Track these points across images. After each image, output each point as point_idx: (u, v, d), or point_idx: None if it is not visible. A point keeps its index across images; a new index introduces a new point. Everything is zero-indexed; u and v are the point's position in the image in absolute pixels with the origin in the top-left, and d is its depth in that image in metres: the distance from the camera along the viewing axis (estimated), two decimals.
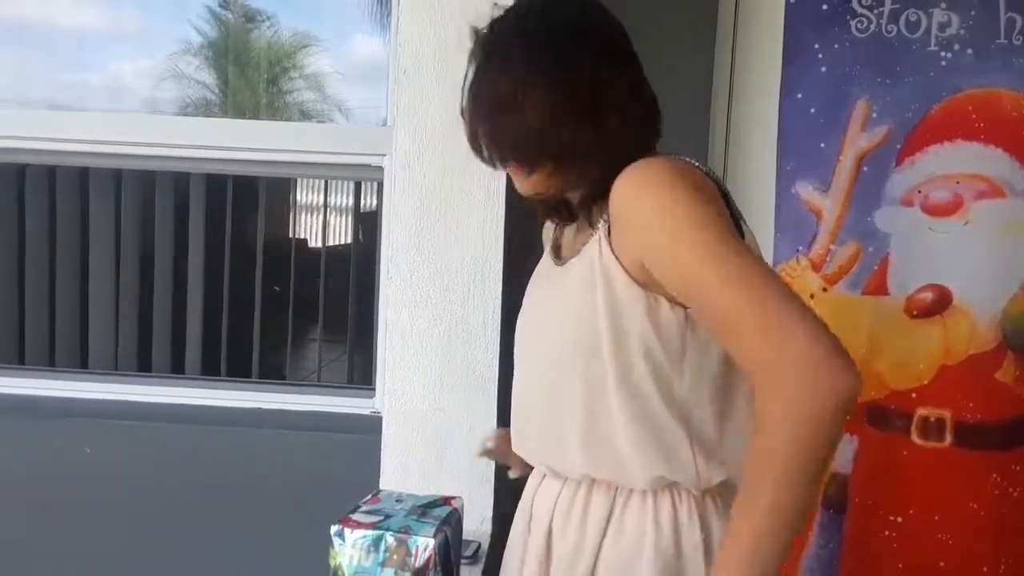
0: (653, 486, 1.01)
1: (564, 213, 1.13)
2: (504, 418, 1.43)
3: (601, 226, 1.00)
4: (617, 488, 1.03)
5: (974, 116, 1.91)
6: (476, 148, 1.05)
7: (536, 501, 1.13)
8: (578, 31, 1.01)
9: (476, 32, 1.05)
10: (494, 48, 1.02)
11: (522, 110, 0.97)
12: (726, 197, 0.99)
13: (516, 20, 1.03)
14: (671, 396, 0.99)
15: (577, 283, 1.02)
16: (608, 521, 1.03)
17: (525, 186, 1.06)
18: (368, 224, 2.52)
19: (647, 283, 0.97)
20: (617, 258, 0.98)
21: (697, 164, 1.00)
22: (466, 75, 1.05)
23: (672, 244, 0.90)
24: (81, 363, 2.29)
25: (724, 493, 1.03)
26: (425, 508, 1.17)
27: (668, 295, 0.96)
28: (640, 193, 0.92)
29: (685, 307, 0.97)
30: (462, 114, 1.06)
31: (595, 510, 1.04)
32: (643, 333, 0.97)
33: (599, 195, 1.00)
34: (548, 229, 1.24)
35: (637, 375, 0.98)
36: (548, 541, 1.08)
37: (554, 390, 1.04)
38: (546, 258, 1.18)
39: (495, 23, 1.05)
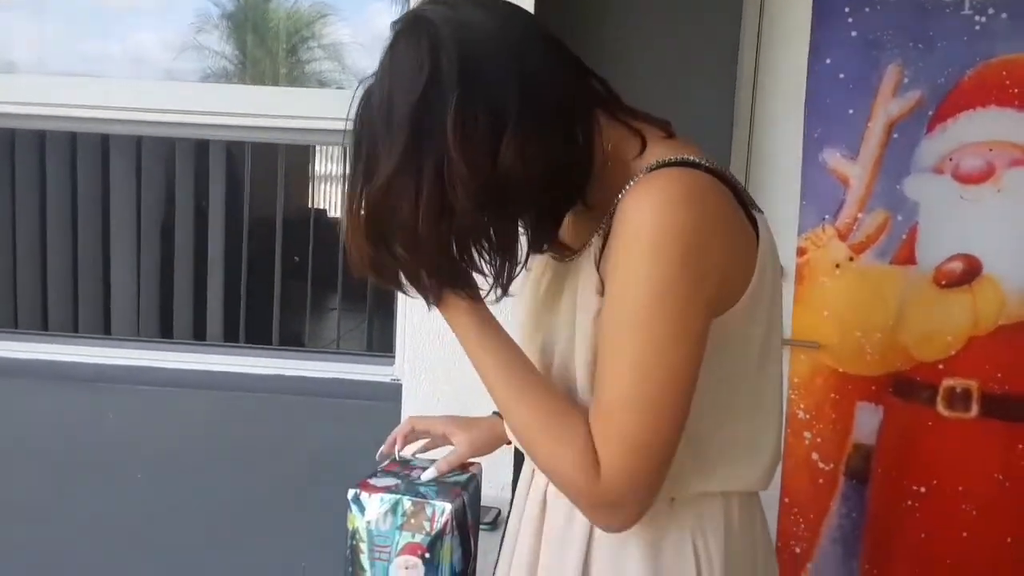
0: None
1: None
2: None
3: (595, 240, 0.93)
4: None
5: (1008, 82, 1.86)
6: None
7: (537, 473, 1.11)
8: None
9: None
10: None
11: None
12: (736, 191, 0.92)
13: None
14: None
15: (578, 288, 0.95)
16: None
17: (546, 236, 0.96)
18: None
19: None
20: (600, 274, 0.91)
21: (710, 165, 0.90)
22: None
23: (626, 302, 0.84)
24: (104, 329, 2.31)
25: (704, 503, 0.97)
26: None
27: None
28: (643, 229, 0.84)
29: None
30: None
31: None
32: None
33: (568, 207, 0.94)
34: None
35: None
36: (543, 509, 1.05)
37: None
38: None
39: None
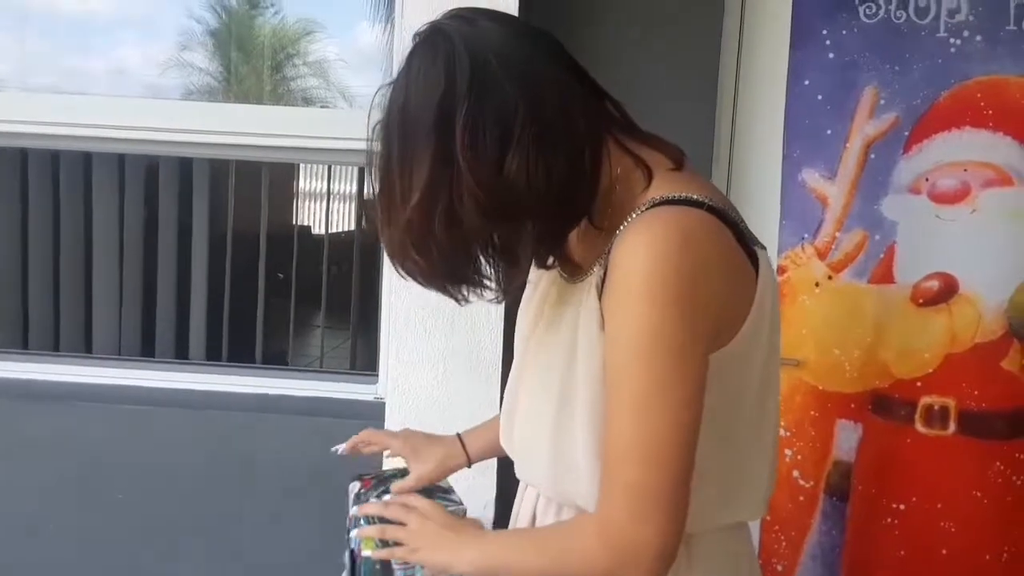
0: None
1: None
2: None
3: (596, 270, 0.93)
4: None
5: (983, 103, 1.89)
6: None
7: (526, 492, 1.12)
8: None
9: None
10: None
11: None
12: (737, 228, 0.91)
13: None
14: None
15: (579, 317, 0.96)
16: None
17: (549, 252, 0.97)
18: (372, 212, 2.51)
19: None
20: (601, 309, 0.91)
21: (711, 203, 0.90)
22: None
23: (626, 345, 0.85)
24: (85, 348, 2.29)
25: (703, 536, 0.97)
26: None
27: None
28: (637, 269, 0.85)
29: None
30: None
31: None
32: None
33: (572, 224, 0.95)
34: None
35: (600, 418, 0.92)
36: (532, 522, 1.07)
37: (562, 421, 0.98)
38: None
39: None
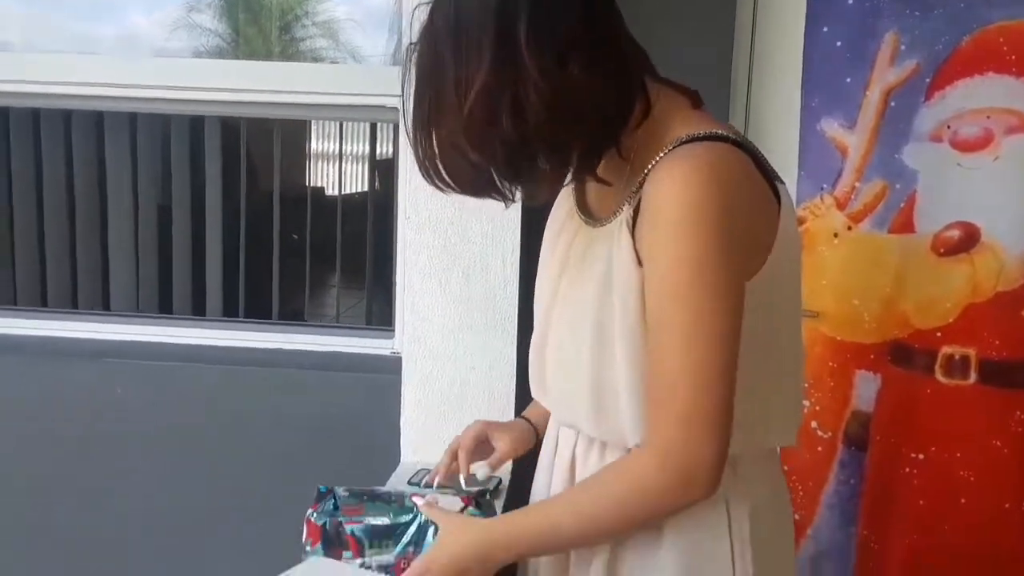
0: None
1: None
2: (523, 356, 1.42)
3: (626, 209, 0.96)
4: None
5: (1005, 48, 1.85)
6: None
7: (560, 437, 1.13)
8: None
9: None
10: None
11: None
12: (759, 163, 0.95)
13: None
14: None
15: (612, 259, 0.97)
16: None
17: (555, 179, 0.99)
18: (384, 172, 2.50)
19: None
20: (635, 244, 0.94)
21: (737, 138, 0.94)
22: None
23: (667, 279, 0.89)
24: (103, 305, 2.31)
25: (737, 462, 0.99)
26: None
27: None
28: (674, 205, 0.88)
29: None
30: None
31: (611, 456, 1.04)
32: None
33: (603, 149, 0.95)
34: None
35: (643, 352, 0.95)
36: (572, 466, 1.08)
37: (602, 359, 0.99)
38: (571, 211, 1.10)
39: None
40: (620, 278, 0.95)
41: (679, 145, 0.92)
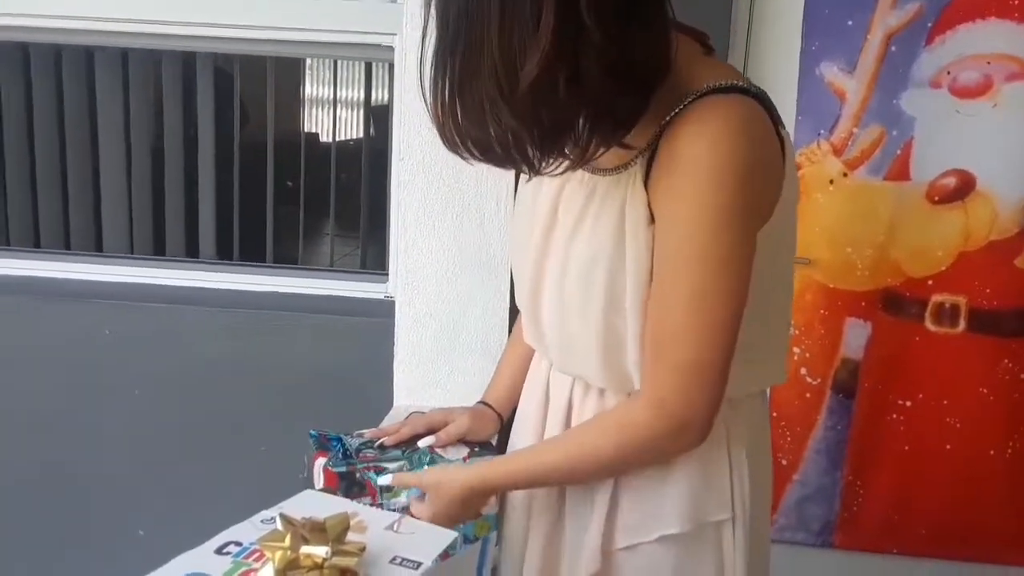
0: None
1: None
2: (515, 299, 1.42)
3: (640, 161, 0.93)
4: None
5: None
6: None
7: (552, 383, 1.12)
8: None
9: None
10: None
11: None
12: (770, 112, 0.94)
13: None
14: None
15: (629, 202, 0.96)
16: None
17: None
18: (379, 118, 2.47)
19: None
20: (648, 193, 0.93)
21: (754, 90, 0.92)
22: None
23: (685, 235, 0.89)
24: (96, 247, 2.30)
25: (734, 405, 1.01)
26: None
27: None
28: (704, 160, 0.86)
29: None
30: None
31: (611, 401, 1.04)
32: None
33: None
34: None
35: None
36: (568, 411, 1.09)
37: (613, 308, 0.98)
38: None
39: None
40: (631, 232, 0.94)
41: (699, 97, 0.89)
